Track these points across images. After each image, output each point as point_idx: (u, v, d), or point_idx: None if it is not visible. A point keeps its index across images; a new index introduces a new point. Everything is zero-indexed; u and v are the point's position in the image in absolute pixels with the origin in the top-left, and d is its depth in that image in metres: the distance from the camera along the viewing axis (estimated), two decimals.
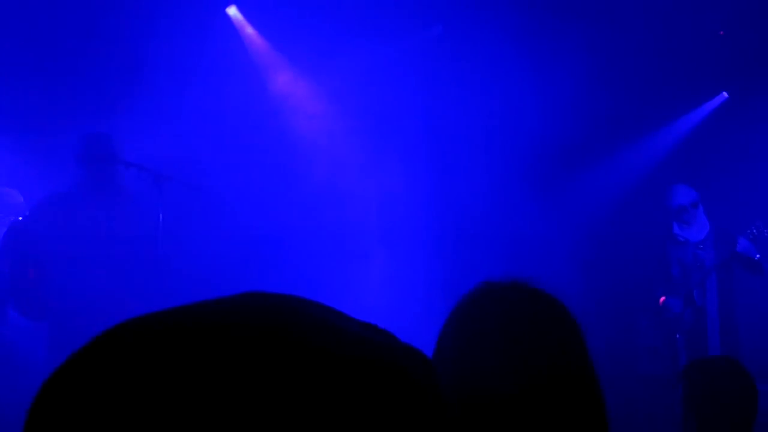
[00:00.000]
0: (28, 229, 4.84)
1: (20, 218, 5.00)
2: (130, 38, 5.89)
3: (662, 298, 6.00)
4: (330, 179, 6.31)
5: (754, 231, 5.69)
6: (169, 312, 0.58)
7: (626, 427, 5.78)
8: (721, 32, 6.58)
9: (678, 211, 5.93)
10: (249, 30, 6.51)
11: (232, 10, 6.46)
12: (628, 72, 6.65)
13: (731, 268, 5.86)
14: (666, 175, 6.89)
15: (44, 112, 5.91)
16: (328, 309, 0.60)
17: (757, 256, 5.71)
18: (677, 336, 5.92)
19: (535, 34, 6.28)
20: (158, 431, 0.51)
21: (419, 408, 0.56)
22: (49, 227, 4.79)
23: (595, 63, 6.33)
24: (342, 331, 0.58)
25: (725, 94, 7.08)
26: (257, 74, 6.52)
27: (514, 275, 1.38)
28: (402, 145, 6.44)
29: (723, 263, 5.82)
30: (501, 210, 6.44)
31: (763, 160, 6.76)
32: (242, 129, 6.23)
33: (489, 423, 1.24)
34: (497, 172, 6.46)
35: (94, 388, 0.53)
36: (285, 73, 6.57)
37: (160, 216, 4.76)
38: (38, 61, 5.92)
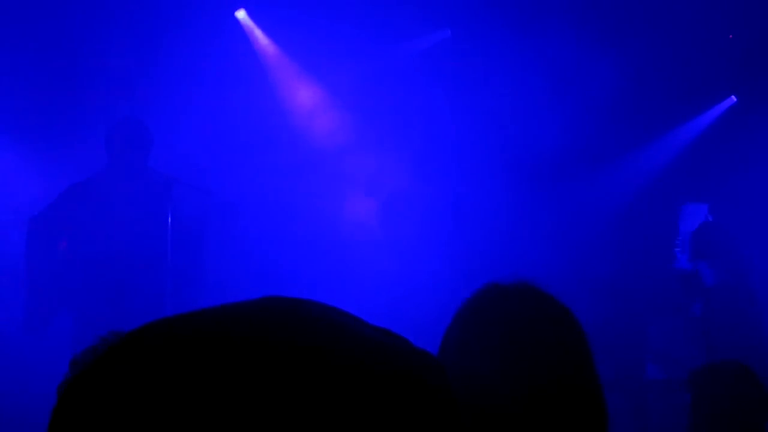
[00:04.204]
0: (52, 215, 4.79)
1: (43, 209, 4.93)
2: (137, 40, 5.91)
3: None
4: (339, 182, 6.32)
5: None
6: (192, 316, 0.59)
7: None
8: (731, 35, 6.57)
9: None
10: (258, 34, 6.52)
11: (242, 14, 6.48)
12: (636, 75, 6.63)
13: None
14: (674, 178, 6.88)
15: (54, 115, 5.92)
16: (344, 313, 0.61)
17: None
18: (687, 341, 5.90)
19: (544, 38, 6.28)
20: None
21: (434, 415, 0.57)
22: (74, 214, 4.75)
23: (602, 66, 6.33)
24: (358, 336, 0.59)
25: (734, 97, 7.07)
26: (267, 78, 6.53)
27: (520, 277, 1.38)
28: (411, 148, 6.44)
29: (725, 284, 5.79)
30: (507, 213, 6.43)
31: None
32: (252, 132, 6.24)
33: (491, 427, 1.24)
34: (506, 174, 6.46)
35: (119, 391, 0.54)
36: (294, 76, 6.58)
37: (169, 219, 4.77)
38: (44, 63, 5.92)
